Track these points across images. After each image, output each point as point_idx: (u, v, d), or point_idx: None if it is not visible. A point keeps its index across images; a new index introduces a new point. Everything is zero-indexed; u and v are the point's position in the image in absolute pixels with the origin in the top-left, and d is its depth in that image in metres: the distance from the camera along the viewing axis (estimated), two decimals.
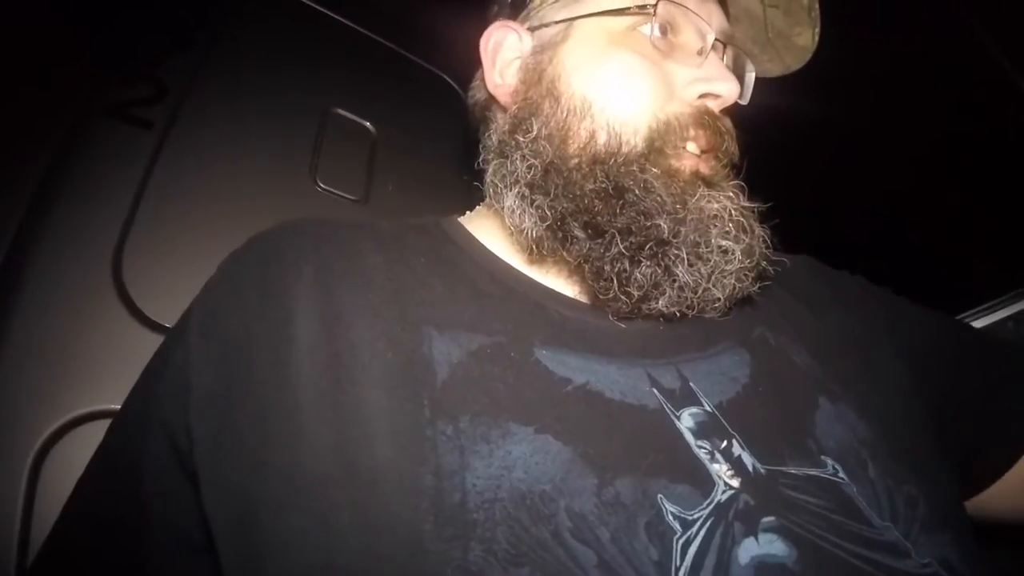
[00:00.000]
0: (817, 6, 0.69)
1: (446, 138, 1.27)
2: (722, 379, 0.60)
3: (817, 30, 0.70)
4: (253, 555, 0.49)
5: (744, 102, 0.70)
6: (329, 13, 1.23)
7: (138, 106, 0.95)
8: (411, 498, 0.47)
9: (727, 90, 0.65)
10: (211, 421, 0.56)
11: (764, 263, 0.64)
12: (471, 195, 1.22)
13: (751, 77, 0.74)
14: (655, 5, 0.65)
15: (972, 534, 0.59)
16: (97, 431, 0.74)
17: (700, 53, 0.67)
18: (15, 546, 0.68)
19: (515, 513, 0.46)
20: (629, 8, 0.67)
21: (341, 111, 1.15)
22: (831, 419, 0.60)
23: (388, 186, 1.13)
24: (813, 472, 0.54)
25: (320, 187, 1.06)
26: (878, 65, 1.14)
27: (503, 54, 0.75)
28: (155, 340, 0.80)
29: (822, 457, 0.56)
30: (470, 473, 0.48)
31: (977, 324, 1.17)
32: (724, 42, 0.70)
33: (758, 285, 0.65)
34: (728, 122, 0.67)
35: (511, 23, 0.75)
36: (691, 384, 0.58)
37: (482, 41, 0.76)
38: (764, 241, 0.64)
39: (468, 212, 0.78)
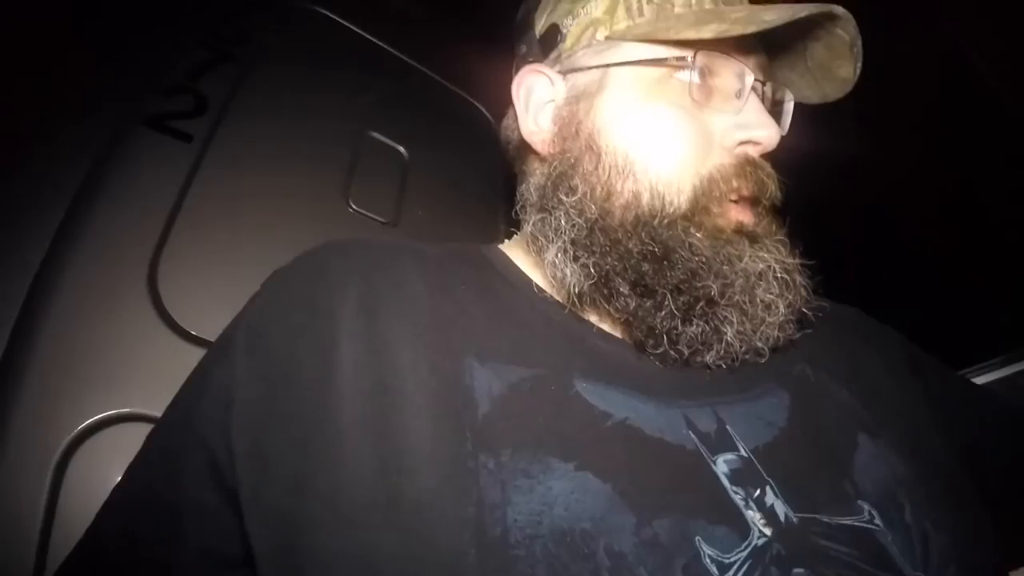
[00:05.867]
0: (860, 43, 0.68)
1: (477, 165, 1.29)
2: (759, 423, 0.60)
3: (859, 64, 0.69)
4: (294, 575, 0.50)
5: (783, 132, 0.69)
6: (367, 36, 1.26)
7: (178, 118, 0.97)
8: (454, 528, 0.47)
9: (767, 137, 0.64)
10: (253, 439, 0.56)
11: (804, 310, 0.65)
12: (498, 222, 1.25)
13: (790, 107, 0.73)
14: (694, 57, 0.64)
15: None
16: (124, 434, 0.76)
17: (738, 96, 0.65)
18: (36, 540, 0.69)
19: (555, 551, 0.47)
20: (667, 59, 0.65)
21: (375, 134, 1.17)
22: (870, 458, 0.60)
23: (418, 211, 1.14)
24: (847, 521, 0.54)
25: (352, 208, 1.08)
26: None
27: (535, 98, 0.73)
28: (185, 348, 0.83)
29: (859, 502, 0.56)
30: (511, 508, 0.48)
31: (995, 376, 1.18)
32: (762, 80, 0.68)
33: (799, 334, 0.65)
34: (769, 167, 0.67)
35: (541, 67, 0.73)
36: (727, 428, 0.58)
37: (513, 86, 0.74)
38: (805, 290, 0.65)
39: (507, 240, 0.78)
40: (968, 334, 1.18)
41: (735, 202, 0.64)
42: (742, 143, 0.65)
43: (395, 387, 0.55)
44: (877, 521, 0.55)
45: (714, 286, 0.60)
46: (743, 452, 0.57)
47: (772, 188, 0.66)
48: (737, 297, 0.61)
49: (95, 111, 0.92)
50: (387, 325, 0.59)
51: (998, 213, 1.19)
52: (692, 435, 0.57)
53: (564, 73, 0.72)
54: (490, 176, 1.28)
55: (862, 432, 0.62)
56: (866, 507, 0.55)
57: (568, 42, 0.71)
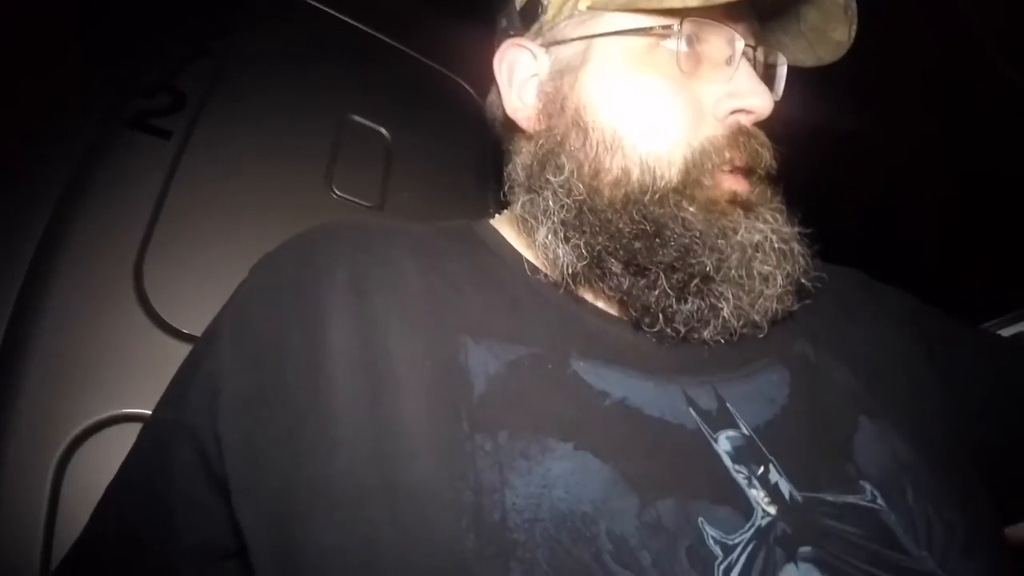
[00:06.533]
0: (854, 5, 0.66)
1: (462, 143, 1.27)
2: (760, 400, 0.59)
3: (854, 27, 0.67)
4: (289, 568, 0.49)
5: (776, 98, 0.67)
6: (344, 18, 1.24)
7: (157, 116, 0.97)
8: (452, 514, 0.46)
9: (759, 105, 0.62)
10: (242, 428, 0.55)
11: (803, 280, 0.63)
12: (487, 200, 1.24)
13: (783, 71, 0.70)
14: (680, 25, 0.62)
15: (1010, 559, 0.59)
16: (119, 434, 0.77)
17: (729, 63, 0.63)
18: (39, 546, 0.70)
19: (556, 534, 0.46)
20: (652, 28, 0.63)
21: (357, 117, 1.16)
22: (872, 440, 0.59)
23: (404, 193, 1.13)
24: (851, 499, 0.53)
25: (336, 194, 1.07)
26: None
27: (518, 73, 0.71)
28: (175, 345, 0.83)
29: (861, 482, 0.55)
30: (509, 491, 0.47)
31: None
32: (753, 46, 0.65)
33: (798, 304, 0.64)
34: (763, 135, 0.64)
35: (523, 40, 0.71)
36: (728, 405, 0.57)
37: (495, 62, 0.72)
38: (804, 259, 0.63)
39: (498, 215, 0.76)
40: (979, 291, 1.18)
41: (729, 173, 0.62)
42: (734, 112, 0.62)
43: (387, 369, 0.54)
44: (880, 501, 0.54)
45: (709, 262, 0.59)
46: (744, 430, 0.56)
47: (766, 158, 0.63)
48: (733, 272, 0.59)
49: (74, 113, 0.91)
50: (377, 306, 0.58)
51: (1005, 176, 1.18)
52: (693, 412, 0.56)
53: (547, 46, 0.69)
54: (477, 154, 1.27)
55: (863, 414, 0.61)
56: (868, 487, 0.55)
57: (549, 13, 0.69)
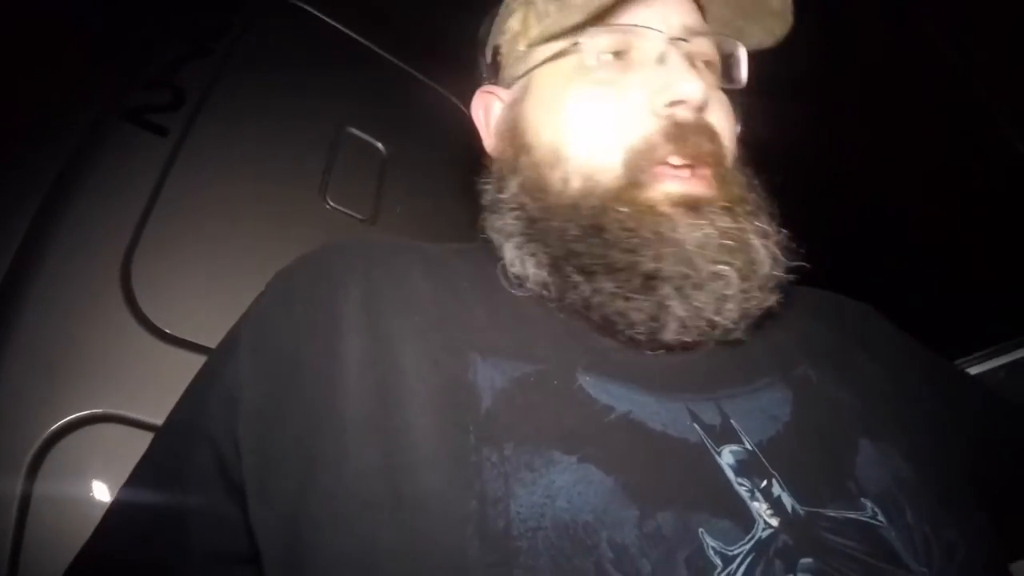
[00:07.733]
0: None
1: (455, 161, 1.28)
2: (763, 417, 0.60)
3: None
4: (299, 571, 0.50)
5: (742, 83, 0.70)
6: (347, 31, 1.25)
7: (155, 112, 0.96)
8: (457, 522, 0.47)
9: (688, 91, 0.63)
10: (259, 436, 0.57)
11: (776, 273, 0.64)
12: (477, 220, 1.24)
13: (741, 54, 0.72)
14: (582, 41, 0.67)
15: None
16: (97, 434, 0.76)
17: (660, 61, 0.65)
18: (9, 542, 0.69)
19: (558, 542, 0.47)
20: (566, 49, 0.69)
21: (354, 130, 1.16)
22: (872, 460, 0.59)
23: (396, 208, 1.14)
24: (852, 515, 0.54)
25: (329, 204, 1.07)
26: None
27: (492, 116, 0.79)
28: (160, 347, 0.82)
29: (862, 500, 0.56)
30: (514, 500, 0.48)
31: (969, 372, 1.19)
32: (685, 37, 0.67)
33: (774, 300, 0.64)
34: (712, 127, 0.66)
35: (492, 87, 0.80)
36: (732, 421, 0.58)
37: (472, 111, 0.81)
38: (768, 251, 0.64)
39: None
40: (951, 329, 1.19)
41: (672, 168, 0.63)
42: (670, 105, 0.64)
43: (398, 384, 0.55)
44: (881, 518, 0.54)
45: (646, 259, 0.60)
46: (747, 445, 0.57)
47: (708, 146, 0.65)
48: (676, 268, 0.60)
49: (72, 104, 0.91)
50: (390, 322, 0.60)
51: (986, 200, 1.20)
52: (697, 427, 0.56)
53: (507, 87, 0.77)
54: (469, 174, 1.27)
55: (864, 435, 0.61)
56: (869, 504, 0.55)
57: (505, 59, 0.78)
